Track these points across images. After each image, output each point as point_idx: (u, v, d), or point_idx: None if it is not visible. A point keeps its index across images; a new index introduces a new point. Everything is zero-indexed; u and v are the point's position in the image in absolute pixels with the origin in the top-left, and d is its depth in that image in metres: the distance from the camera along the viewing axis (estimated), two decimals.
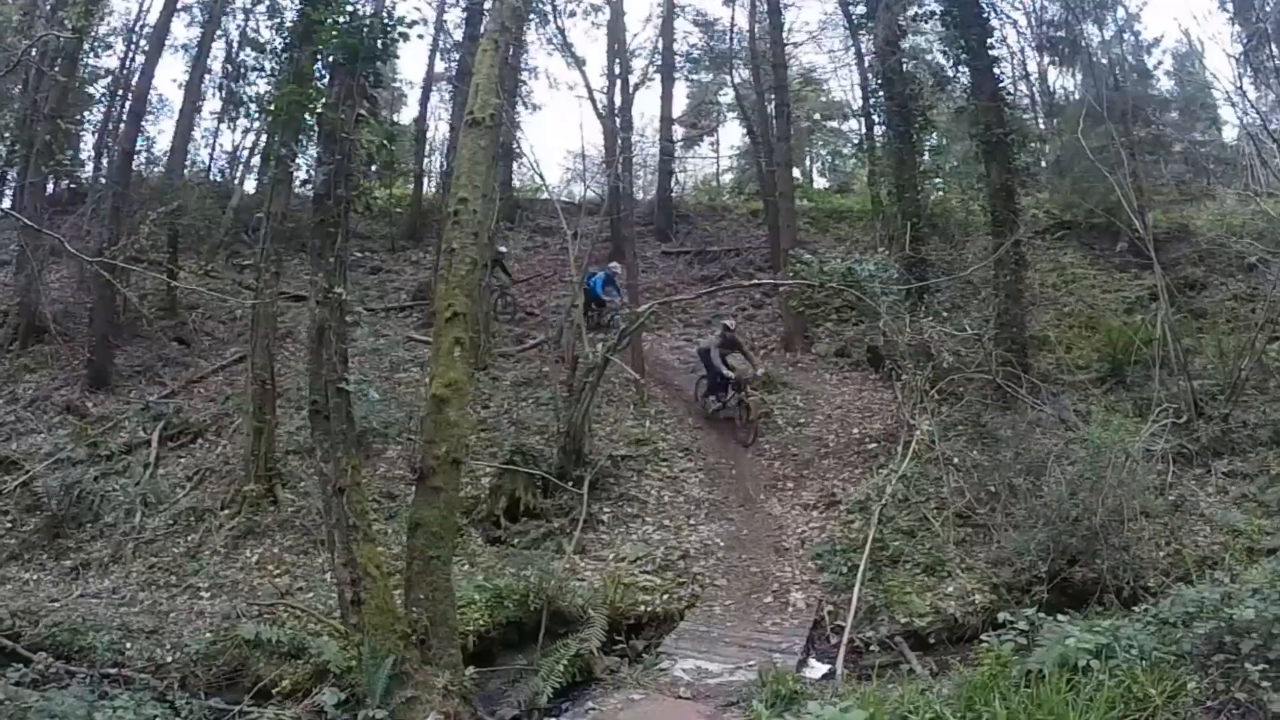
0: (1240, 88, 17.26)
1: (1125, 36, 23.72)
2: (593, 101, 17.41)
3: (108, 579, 10.43)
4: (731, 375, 13.76)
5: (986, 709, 5.61)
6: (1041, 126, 25.77)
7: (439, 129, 25.58)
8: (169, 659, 8.78)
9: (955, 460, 11.17)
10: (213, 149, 23.21)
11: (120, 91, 20.15)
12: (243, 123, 22.02)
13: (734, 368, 13.88)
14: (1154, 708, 5.06)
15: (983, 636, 6.99)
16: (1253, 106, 15.39)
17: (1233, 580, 6.72)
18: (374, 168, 9.19)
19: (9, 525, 11.44)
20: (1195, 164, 23.07)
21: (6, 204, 18.16)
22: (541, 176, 22.96)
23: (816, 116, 29.79)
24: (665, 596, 9.58)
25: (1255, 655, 5.16)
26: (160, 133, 26.39)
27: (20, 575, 10.55)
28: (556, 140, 71.97)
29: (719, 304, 19.60)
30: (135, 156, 18.34)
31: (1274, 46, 18.72)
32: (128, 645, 8.97)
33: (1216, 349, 13.56)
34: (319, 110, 8.59)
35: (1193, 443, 11.70)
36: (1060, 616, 6.91)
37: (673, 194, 26.20)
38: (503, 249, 17.42)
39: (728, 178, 33.39)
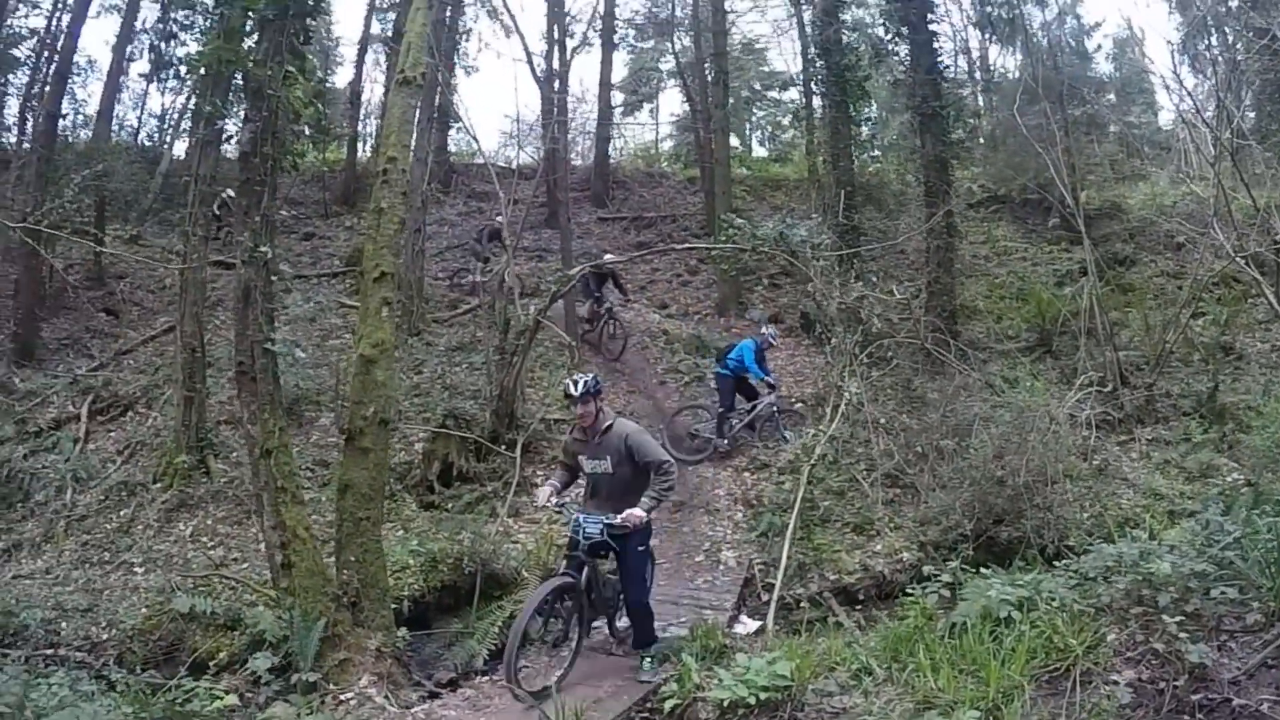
0: (1177, 74, 17.73)
1: (1066, 19, 24.28)
2: (530, 65, 17.04)
3: (40, 559, 10.11)
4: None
5: (911, 659, 5.69)
6: (980, 103, 26.28)
7: (374, 91, 25.20)
8: (105, 636, 8.57)
9: (884, 422, 11.33)
10: (141, 112, 22.65)
11: (46, 53, 19.38)
12: (172, 85, 21.37)
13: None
14: (1074, 657, 5.11)
15: (907, 589, 7.13)
16: (1188, 93, 15.82)
17: (1151, 539, 6.97)
18: (303, 125, 9.00)
19: None
20: (1129, 145, 23.65)
21: None
22: (477, 140, 22.66)
23: (757, 86, 29.88)
24: None
25: (1172, 608, 5.23)
26: (88, 96, 25.64)
27: None
28: (493, 105, 71.19)
29: (654, 269, 19.69)
30: (61, 120, 17.72)
31: (1211, 37, 19.30)
32: (63, 624, 8.72)
33: (1143, 322, 13.92)
34: (248, 67, 8.35)
35: (1117, 410, 12.06)
36: (984, 571, 7.11)
37: (610, 160, 26.02)
38: (609, 255, 15.81)
39: (666, 145, 33.29)
